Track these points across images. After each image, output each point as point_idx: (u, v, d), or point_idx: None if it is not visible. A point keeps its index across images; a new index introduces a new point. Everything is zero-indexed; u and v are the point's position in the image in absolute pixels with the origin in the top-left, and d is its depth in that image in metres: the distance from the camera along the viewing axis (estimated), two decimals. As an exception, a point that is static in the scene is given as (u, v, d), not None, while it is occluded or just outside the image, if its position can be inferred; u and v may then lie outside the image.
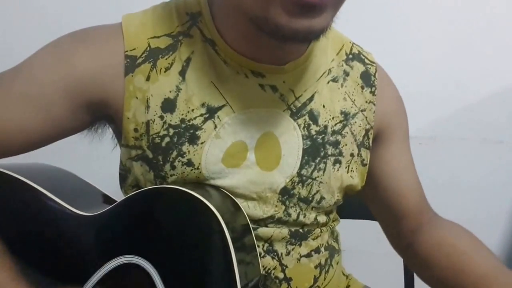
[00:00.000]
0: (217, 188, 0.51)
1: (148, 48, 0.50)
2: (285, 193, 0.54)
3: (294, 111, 0.53)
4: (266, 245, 0.54)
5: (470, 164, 1.24)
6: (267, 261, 0.54)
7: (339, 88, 0.56)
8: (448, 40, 1.15)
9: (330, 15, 0.43)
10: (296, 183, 0.54)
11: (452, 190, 1.24)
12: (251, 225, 0.51)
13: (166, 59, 0.50)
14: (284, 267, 0.55)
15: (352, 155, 0.57)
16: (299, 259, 0.56)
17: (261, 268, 0.51)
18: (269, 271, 0.54)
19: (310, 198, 0.55)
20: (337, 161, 0.56)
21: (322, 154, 0.54)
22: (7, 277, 0.45)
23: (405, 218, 0.61)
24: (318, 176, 0.54)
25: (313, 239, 0.57)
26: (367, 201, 0.65)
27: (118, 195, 0.56)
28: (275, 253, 0.55)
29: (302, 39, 0.43)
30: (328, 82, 0.56)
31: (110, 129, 0.58)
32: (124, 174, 0.54)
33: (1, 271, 0.46)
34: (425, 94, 1.17)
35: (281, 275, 0.55)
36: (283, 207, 0.54)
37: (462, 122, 1.22)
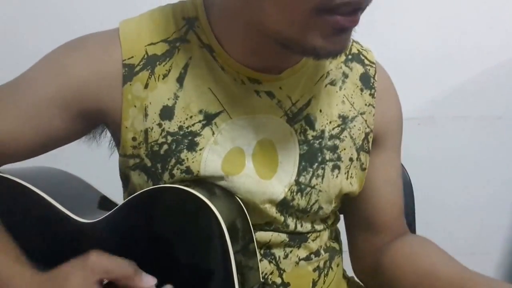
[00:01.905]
0: (224, 189, 0.51)
1: (146, 56, 0.50)
2: (284, 204, 0.53)
3: (291, 116, 0.52)
4: (264, 248, 0.54)
5: (470, 141, 1.23)
6: (264, 265, 0.53)
7: (337, 92, 0.55)
8: (442, 18, 1.13)
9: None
10: (295, 193, 0.52)
11: (452, 169, 1.23)
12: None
13: (163, 65, 0.50)
14: (282, 272, 0.54)
15: (351, 159, 0.56)
16: (297, 263, 0.55)
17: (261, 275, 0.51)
18: (266, 276, 0.53)
19: (308, 209, 0.54)
20: (335, 167, 0.54)
21: (319, 159, 0.53)
22: (10, 260, 0.46)
23: (378, 234, 0.59)
24: (317, 184, 0.53)
25: (313, 240, 0.56)
26: (343, 210, 0.62)
27: (121, 198, 0.57)
28: (273, 257, 0.54)
29: (334, 56, 0.44)
30: (326, 86, 0.54)
31: (107, 134, 0.58)
32: (125, 181, 0.54)
33: (4, 253, 0.46)
34: (421, 74, 1.15)
35: (278, 280, 0.54)
36: (282, 217, 0.53)
37: (460, 100, 1.21)
